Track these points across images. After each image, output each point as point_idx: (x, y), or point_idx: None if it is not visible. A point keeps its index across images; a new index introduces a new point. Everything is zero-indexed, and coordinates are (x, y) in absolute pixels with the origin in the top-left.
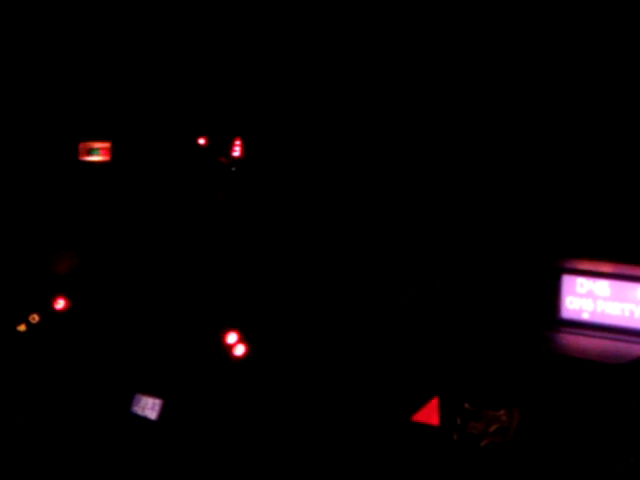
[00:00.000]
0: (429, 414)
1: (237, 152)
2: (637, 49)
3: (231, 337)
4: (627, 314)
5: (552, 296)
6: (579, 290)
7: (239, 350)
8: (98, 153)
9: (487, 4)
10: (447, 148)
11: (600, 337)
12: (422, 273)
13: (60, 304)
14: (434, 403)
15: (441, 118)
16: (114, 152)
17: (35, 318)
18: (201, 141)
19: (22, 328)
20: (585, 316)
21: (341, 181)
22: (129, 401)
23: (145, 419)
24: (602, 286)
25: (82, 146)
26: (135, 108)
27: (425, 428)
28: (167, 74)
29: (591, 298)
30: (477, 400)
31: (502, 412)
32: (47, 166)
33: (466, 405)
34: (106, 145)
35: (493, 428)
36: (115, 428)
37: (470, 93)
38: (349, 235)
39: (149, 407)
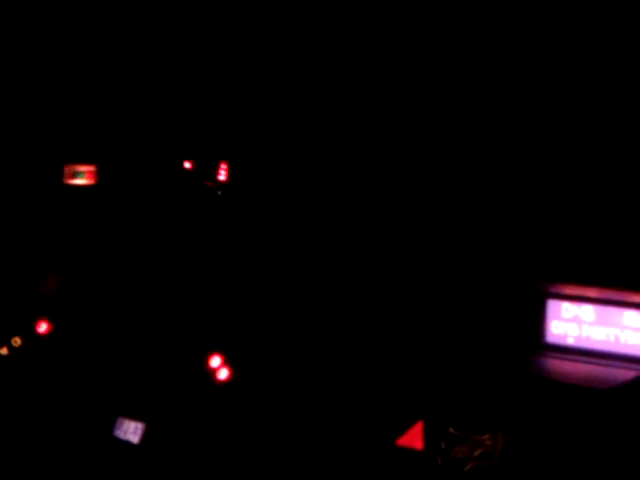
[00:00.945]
0: (413, 438)
1: (223, 176)
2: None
3: (215, 361)
4: (612, 339)
5: (537, 321)
6: (564, 315)
7: (222, 374)
8: (83, 176)
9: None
10: (434, 170)
11: (585, 362)
12: (408, 296)
13: (43, 327)
14: (418, 427)
15: (421, 144)
16: (99, 175)
17: (17, 341)
18: (187, 165)
19: (4, 351)
20: (570, 341)
21: (327, 204)
22: (111, 425)
23: (127, 443)
24: (587, 311)
25: (67, 169)
26: (121, 131)
27: (409, 452)
28: (153, 97)
29: (576, 323)
30: (461, 424)
31: (487, 436)
32: (32, 189)
33: (450, 429)
34: (91, 168)
35: (477, 452)
36: (97, 452)
37: (453, 114)
38: (335, 257)
39: (131, 431)
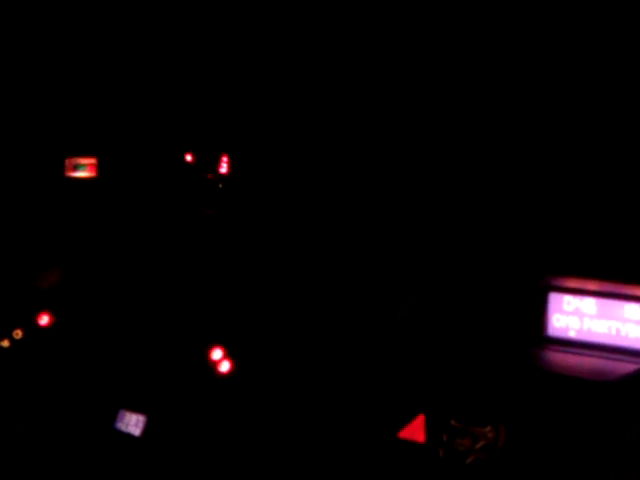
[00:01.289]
0: (415, 431)
1: (224, 169)
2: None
3: (216, 353)
4: (613, 332)
5: (539, 314)
6: (566, 308)
7: (224, 366)
8: (84, 169)
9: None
10: (434, 164)
11: (586, 355)
12: (411, 292)
13: (44, 320)
14: (420, 420)
15: (420, 138)
16: (100, 168)
17: (18, 334)
18: (188, 157)
19: (5, 344)
20: (572, 334)
21: (328, 198)
22: (113, 417)
23: (129, 435)
24: (589, 304)
25: (68, 162)
26: (122, 124)
27: (411, 445)
28: (154, 90)
29: (578, 316)
30: (463, 417)
31: (488, 429)
32: (33, 182)
33: (452, 422)
34: (93, 161)
35: (479, 445)
36: (99, 444)
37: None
38: (336, 252)
39: (133, 423)
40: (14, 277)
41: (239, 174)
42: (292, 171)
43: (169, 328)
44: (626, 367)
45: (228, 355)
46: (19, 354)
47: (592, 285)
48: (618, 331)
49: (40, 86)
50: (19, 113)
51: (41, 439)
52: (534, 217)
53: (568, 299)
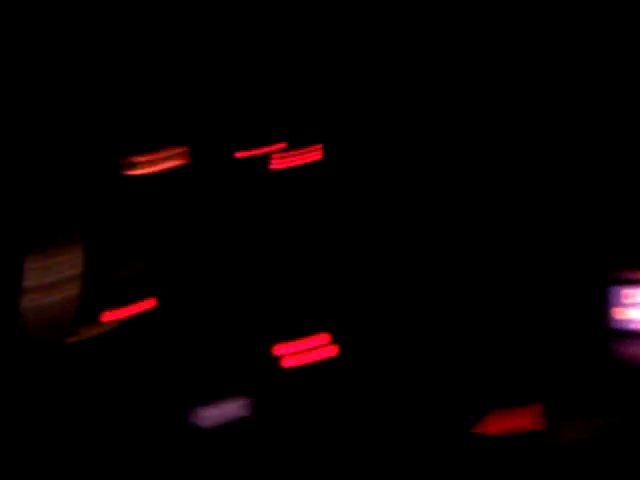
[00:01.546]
0: (489, 425)
1: (279, 164)
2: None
3: (280, 349)
4: None
5: (601, 306)
6: (627, 300)
7: (288, 361)
8: (140, 167)
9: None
10: (509, 164)
11: None
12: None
13: (117, 314)
14: (530, 409)
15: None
16: (153, 165)
17: (87, 330)
18: (242, 155)
19: (74, 340)
20: (634, 325)
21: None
22: (188, 412)
23: (202, 429)
24: None
25: (124, 161)
26: (180, 122)
27: (509, 437)
28: (210, 91)
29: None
30: (565, 409)
31: (592, 420)
32: (95, 180)
33: (554, 413)
34: (147, 159)
35: (584, 435)
36: (173, 438)
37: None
38: (409, 236)
39: (207, 417)
40: (98, 268)
41: (303, 167)
42: (350, 165)
43: (237, 322)
44: None
45: (334, 341)
46: (87, 350)
47: None
48: None
49: (98, 87)
50: (81, 117)
51: (116, 434)
52: (595, 213)
53: (629, 292)
